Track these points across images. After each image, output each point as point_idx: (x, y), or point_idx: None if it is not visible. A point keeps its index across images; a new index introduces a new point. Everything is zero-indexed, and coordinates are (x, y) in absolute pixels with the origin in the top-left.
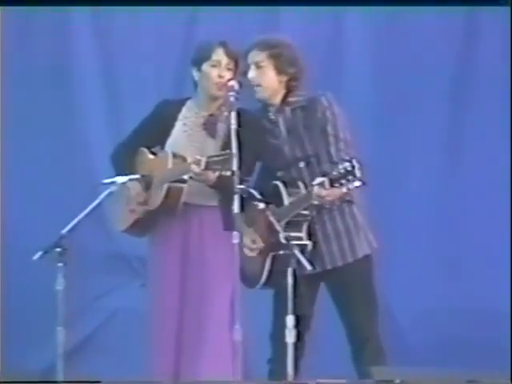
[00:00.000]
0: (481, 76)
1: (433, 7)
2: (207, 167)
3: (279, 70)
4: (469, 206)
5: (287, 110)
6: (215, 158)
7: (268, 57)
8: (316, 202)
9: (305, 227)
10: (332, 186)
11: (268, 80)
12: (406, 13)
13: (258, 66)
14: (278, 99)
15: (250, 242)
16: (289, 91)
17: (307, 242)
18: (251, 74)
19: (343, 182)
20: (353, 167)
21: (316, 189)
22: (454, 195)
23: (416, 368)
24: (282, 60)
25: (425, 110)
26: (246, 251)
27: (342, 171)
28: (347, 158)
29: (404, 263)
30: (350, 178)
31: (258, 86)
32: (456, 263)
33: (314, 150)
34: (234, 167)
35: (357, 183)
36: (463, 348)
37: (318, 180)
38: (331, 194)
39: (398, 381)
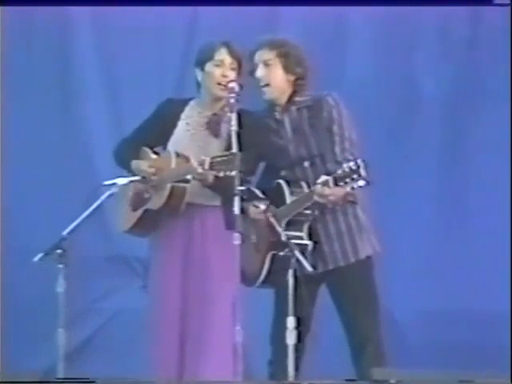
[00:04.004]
0: (481, 76)
1: (433, 7)
2: (211, 167)
3: (287, 69)
4: (469, 207)
5: (293, 109)
6: (219, 159)
7: (277, 55)
8: (320, 200)
9: (306, 227)
10: (336, 184)
11: (276, 79)
12: (406, 13)
13: (266, 65)
14: (284, 99)
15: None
16: (295, 91)
17: (307, 242)
18: (259, 72)
19: (348, 180)
20: (358, 166)
21: (319, 187)
22: (454, 196)
23: (416, 369)
24: (290, 59)
25: (425, 111)
26: (253, 213)
27: (347, 170)
28: (352, 157)
29: (404, 264)
30: (355, 176)
31: (267, 85)
32: (456, 264)
33: (319, 150)
34: (238, 168)
35: (361, 182)
36: (463, 349)
37: (322, 178)
38: (335, 193)
39: (393, 381)
